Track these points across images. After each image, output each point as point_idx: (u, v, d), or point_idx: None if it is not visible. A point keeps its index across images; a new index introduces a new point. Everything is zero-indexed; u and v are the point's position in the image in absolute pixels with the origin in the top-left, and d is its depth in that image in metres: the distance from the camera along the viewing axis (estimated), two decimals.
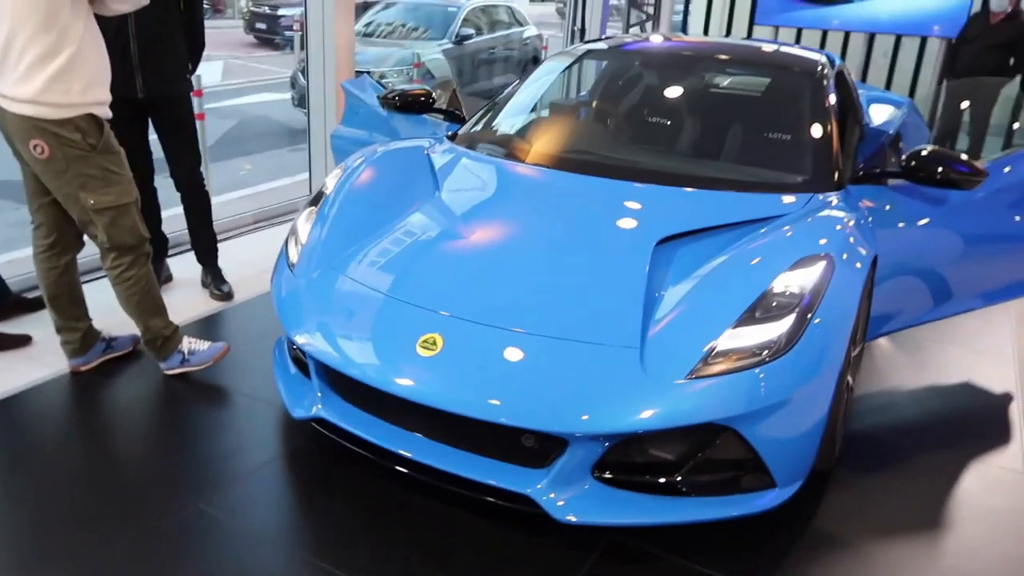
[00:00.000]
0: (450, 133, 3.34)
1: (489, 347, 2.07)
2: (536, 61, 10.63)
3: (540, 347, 2.06)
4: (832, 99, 3.10)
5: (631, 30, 8.29)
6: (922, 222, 2.87)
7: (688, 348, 2.00)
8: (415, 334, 2.12)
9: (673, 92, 3.46)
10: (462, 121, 3.57)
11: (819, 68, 3.27)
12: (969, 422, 2.96)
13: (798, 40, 8.29)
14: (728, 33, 8.68)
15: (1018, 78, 6.36)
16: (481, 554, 2.06)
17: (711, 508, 2.04)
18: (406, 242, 2.52)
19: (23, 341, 3.09)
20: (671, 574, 2.03)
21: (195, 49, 3.52)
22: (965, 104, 6.23)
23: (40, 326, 3.12)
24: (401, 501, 2.24)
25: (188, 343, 2.90)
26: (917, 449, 2.72)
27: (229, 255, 3.91)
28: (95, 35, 2.51)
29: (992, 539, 2.25)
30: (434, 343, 2.09)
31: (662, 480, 2.03)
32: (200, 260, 3.73)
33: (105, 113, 2.57)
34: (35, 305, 3.35)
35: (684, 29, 9.02)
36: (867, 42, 8.18)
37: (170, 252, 3.88)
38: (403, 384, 2.05)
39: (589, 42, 4.04)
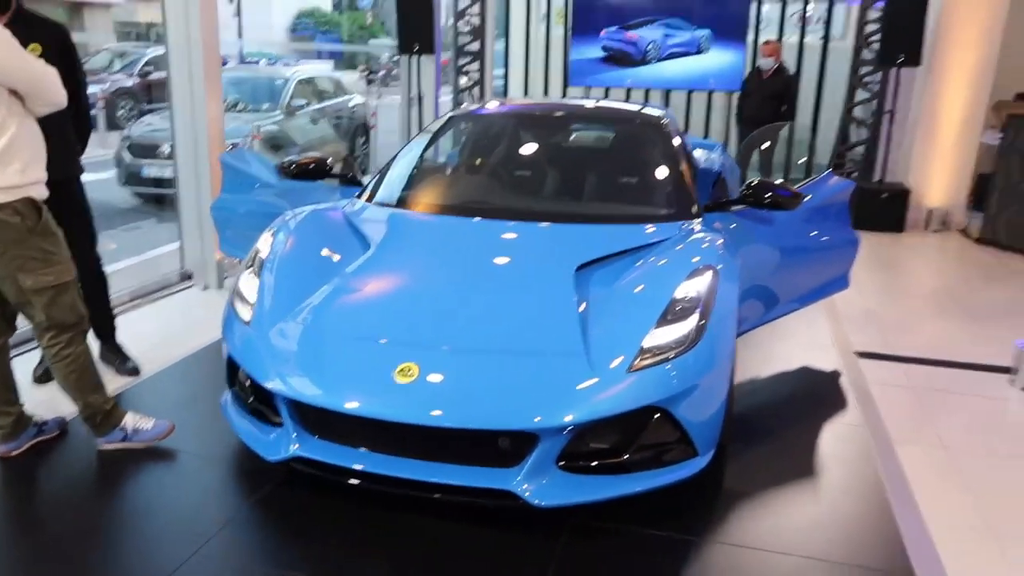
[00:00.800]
0: (358, 194, 3.64)
1: (461, 368, 2.41)
2: (366, 128, 11.03)
3: (505, 362, 2.43)
4: (677, 144, 3.77)
5: (460, 93, 8.92)
6: (757, 240, 3.56)
7: (623, 349, 2.46)
8: (391, 365, 2.41)
9: (559, 146, 4.04)
10: (358, 184, 3.87)
11: (663, 120, 3.95)
12: (813, 396, 3.66)
13: (606, 97, 9.31)
14: (546, 94, 9.55)
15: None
16: (464, 559, 2.35)
17: (652, 479, 2.48)
18: (357, 290, 2.80)
19: None
20: (627, 541, 2.44)
21: (83, 131, 3.57)
22: (766, 145, 7.41)
23: None
24: (379, 528, 2.47)
25: (131, 420, 2.92)
26: (780, 421, 3.36)
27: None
28: (29, 121, 2.60)
29: (845, 474, 2.88)
30: (411, 371, 2.39)
31: (611, 462, 2.45)
32: (100, 336, 3.70)
33: (42, 193, 2.65)
34: None
35: (505, 92, 9.81)
36: (664, 97, 9.35)
37: None
38: (391, 409, 2.33)
39: (463, 109, 4.52)
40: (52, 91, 2.61)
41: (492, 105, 4.48)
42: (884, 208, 7.22)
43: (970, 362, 4.12)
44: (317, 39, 31.75)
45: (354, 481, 2.45)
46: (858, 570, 2.35)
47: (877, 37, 7.46)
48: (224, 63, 10.07)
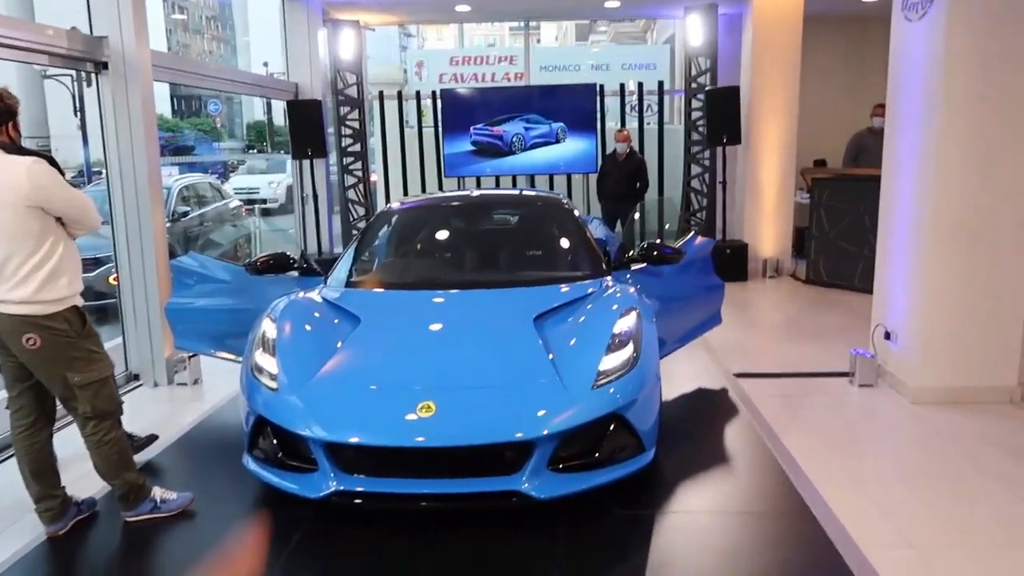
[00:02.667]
0: (325, 280, 4.27)
1: (469, 401, 3.10)
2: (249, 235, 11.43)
3: (498, 393, 3.14)
4: (578, 217, 4.70)
5: (348, 190, 9.62)
6: (648, 292, 4.48)
7: (586, 373, 3.24)
8: (412, 405, 3.05)
9: (487, 226, 4.86)
10: (317, 274, 4.48)
11: (563, 199, 4.89)
12: (711, 407, 4.60)
13: (478, 184, 10.31)
14: (424, 189, 10.41)
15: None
16: (483, 557, 3.00)
17: (617, 471, 3.24)
18: (363, 353, 3.43)
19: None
20: (608, 521, 3.17)
21: None
22: (637, 216, 8.60)
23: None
24: (411, 542, 3.07)
25: (160, 492, 3.33)
26: (693, 426, 4.24)
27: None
28: (69, 242, 3.06)
29: (747, 456, 3.78)
30: (429, 407, 3.04)
31: (587, 461, 3.19)
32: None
33: (81, 302, 3.10)
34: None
35: (387, 189, 10.58)
36: (529, 180, 10.48)
37: None
38: (419, 439, 2.97)
39: (404, 202, 5.25)
40: (91, 218, 3.10)
41: (419, 200, 5.26)
42: (730, 261, 8.54)
43: (819, 371, 5.24)
44: (164, 147, 31.35)
45: (358, 501, 3.02)
46: (770, 516, 3.21)
47: (703, 121, 8.96)
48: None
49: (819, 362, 5.43)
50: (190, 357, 5.28)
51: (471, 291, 4.00)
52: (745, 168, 8.96)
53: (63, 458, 3.73)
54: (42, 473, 3.13)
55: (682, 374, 5.15)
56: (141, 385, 5.34)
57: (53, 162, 3.75)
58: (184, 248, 9.61)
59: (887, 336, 4.99)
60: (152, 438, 4.11)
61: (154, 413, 4.83)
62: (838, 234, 7.91)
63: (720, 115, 8.54)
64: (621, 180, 8.63)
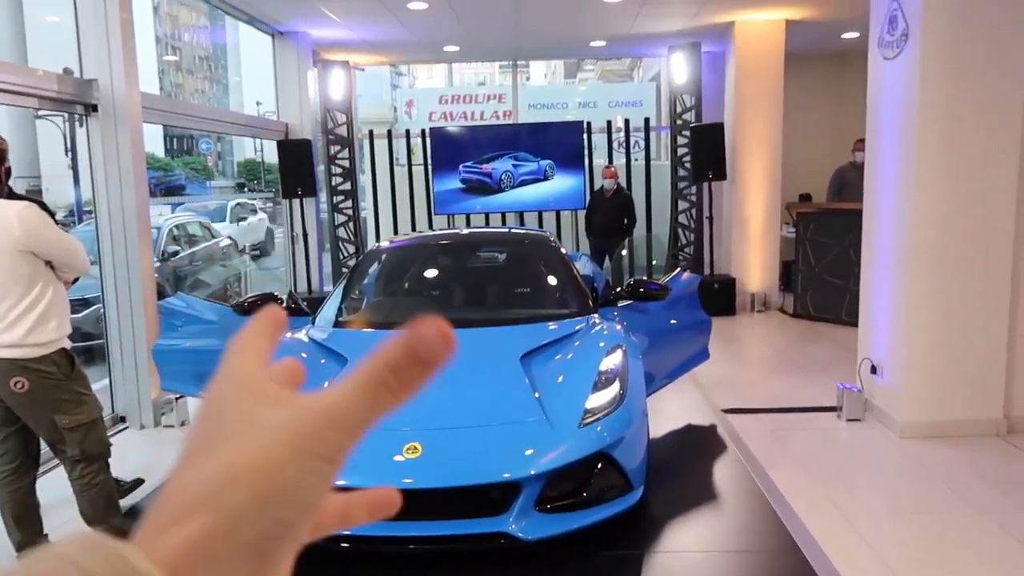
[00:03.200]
0: (312, 320, 4.27)
1: (454, 441, 3.09)
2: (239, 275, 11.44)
3: (485, 433, 3.14)
4: (565, 254, 4.74)
5: (339, 228, 9.67)
6: (634, 328, 4.51)
7: (572, 411, 3.25)
8: (398, 447, 3.05)
9: (474, 264, 4.89)
10: (304, 313, 4.49)
11: (551, 238, 4.93)
12: (699, 444, 4.60)
13: (468, 223, 10.38)
14: (414, 227, 10.47)
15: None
16: None
17: (604, 510, 3.23)
18: None
19: None
20: (592, 562, 3.15)
21: None
22: (625, 252, 8.68)
23: None
24: None
25: None
26: (681, 463, 4.24)
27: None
28: (59, 285, 3.08)
29: (735, 492, 3.78)
30: (416, 448, 3.04)
31: (574, 501, 3.18)
32: None
33: (69, 344, 3.10)
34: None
35: (377, 226, 10.64)
36: (518, 218, 10.57)
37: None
38: (407, 481, 2.95)
39: (391, 241, 5.29)
40: (81, 261, 3.12)
41: (406, 238, 5.30)
42: (717, 296, 8.59)
43: (806, 406, 5.25)
44: (155, 186, 31.58)
45: (345, 545, 2.99)
46: (759, 554, 3.20)
47: (689, 157, 9.08)
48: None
49: (807, 397, 5.45)
50: (177, 399, 5.25)
51: (458, 330, 3.95)
52: (731, 203, 9.06)
53: (46, 503, 3.70)
54: (25, 519, 3.10)
55: (671, 410, 5.15)
56: (127, 427, 5.30)
57: (44, 206, 3.79)
58: (174, 288, 9.62)
59: (873, 370, 5.02)
60: (139, 482, 4.08)
61: (140, 456, 4.79)
62: (824, 268, 7.99)
63: (705, 151, 8.66)
64: (609, 216, 8.71)
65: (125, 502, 3.89)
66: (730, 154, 8.85)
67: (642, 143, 10.34)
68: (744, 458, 4.26)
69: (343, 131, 9.59)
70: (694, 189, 9.32)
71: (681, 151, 9.37)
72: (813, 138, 10.47)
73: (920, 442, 4.50)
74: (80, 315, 7.25)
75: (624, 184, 9.09)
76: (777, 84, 8.72)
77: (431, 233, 5.43)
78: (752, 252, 9.02)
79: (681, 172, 9.42)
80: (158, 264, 9.78)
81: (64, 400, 3.02)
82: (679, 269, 5.16)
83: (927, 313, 4.60)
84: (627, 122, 10.10)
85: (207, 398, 0.36)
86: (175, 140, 37.16)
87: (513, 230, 5.46)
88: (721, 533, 3.39)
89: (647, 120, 10.12)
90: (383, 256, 5.05)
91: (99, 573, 0.27)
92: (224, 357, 0.38)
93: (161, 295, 9.07)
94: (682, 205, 9.49)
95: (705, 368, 5.36)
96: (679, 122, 9.36)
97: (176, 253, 10.07)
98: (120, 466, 4.33)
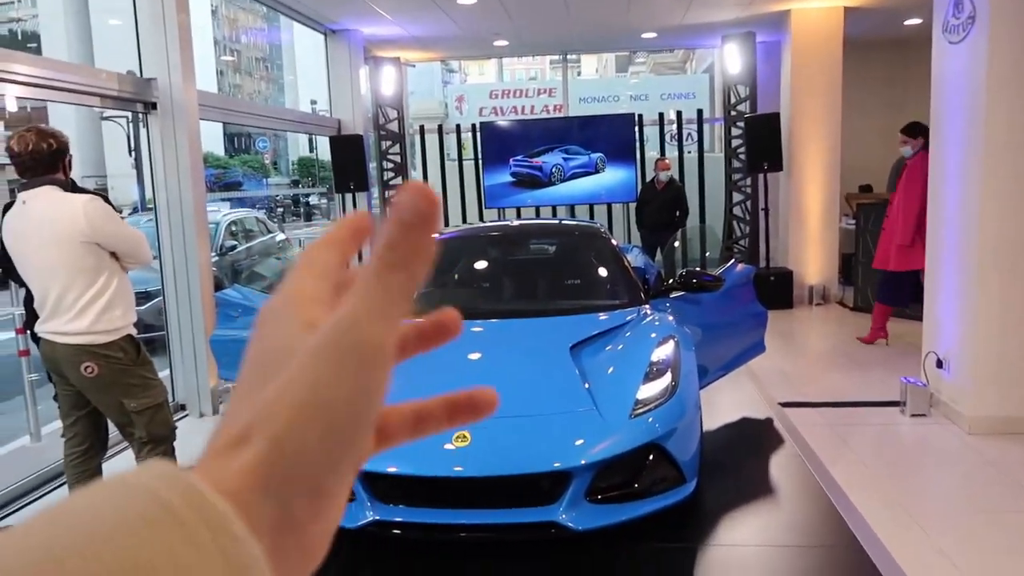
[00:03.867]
0: None
1: (504, 430, 3.07)
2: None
3: (535, 422, 3.12)
4: (616, 246, 4.68)
5: None
6: (687, 320, 4.42)
7: (623, 402, 3.20)
8: (448, 435, 3.04)
9: (525, 256, 4.88)
10: None
11: (601, 229, 4.88)
12: (756, 437, 4.50)
13: (518, 215, 10.37)
14: (464, 219, 10.51)
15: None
16: None
17: (656, 502, 3.17)
18: (401, 380, 3.43)
19: None
20: (642, 555, 3.10)
21: None
22: (677, 244, 8.57)
23: None
24: (446, 568, 3.04)
25: None
26: (736, 456, 4.15)
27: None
28: (123, 275, 3.17)
29: (793, 486, 3.68)
30: (465, 437, 3.03)
31: (625, 492, 3.13)
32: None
33: (135, 331, 3.19)
34: None
35: (447, 220, 10.71)
36: (569, 211, 10.51)
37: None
38: (457, 469, 2.95)
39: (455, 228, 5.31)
40: (144, 252, 3.20)
41: (457, 230, 5.31)
42: (773, 289, 8.39)
43: (868, 400, 5.09)
44: (214, 183, 32.49)
45: (397, 531, 3.03)
46: (817, 549, 3.11)
47: (743, 149, 8.90)
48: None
49: (868, 391, 5.28)
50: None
51: (508, 320, 3.99)
52: (788, 195, 8.85)
53: None
54: None
55: (726, 403, 5.06)
56: (187, 415, 5.44)
57: (107, 200, 3.91)
58: (232, 280, 9.84)
59: (939, 364, 4.84)
60: None
61: (199, 443, 4.88)
62: None
63: (760, 142, 8.47)
64: (661, 208, 8.59)
65: None
66: (786, 145, 8.64)
67: (695, 135, 10.18)
68: (802, 452, 4.15)
69: (394, 127, 9.67)
70: (748, 181, 9.13)
71: (735, 142, 9.19)
72: (874, 127, 10.13)
73: (989, 438, 4.31)
74: (143, 307, 7.49)
75: (676, 177, 8.96)
76: (835, 73, 8.47)
77: (481, 225, 5.43)
78: (810, 244, 8.79)
79: (735, 164, 9.24)
80: (216, 258, 10.04)
81: (132, 384, 3.11)
82: (733, 260, 5.05)
83: (995, 305, 4.41)
84: (679, 114, 9.95)
85: (262, 316, 0.35)
86: (234, 139, 38.09)
87: (564, 221, 5.42)
88: (777, 527, 3.31)
89: (700, 112, 9.96)
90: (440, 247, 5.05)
91: (177, 506, 0.25)
92: (290, 268, 0.36)
93: (219, 287, 9.32)
94: (736, 197, 9.31)
95: (761, 361, 5.26)
96: (733, 113, 9.17)
97: (234, 247, 10.30)
98: (180, 452, 4.45)
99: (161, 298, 5.59)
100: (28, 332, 3.51)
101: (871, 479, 3.85)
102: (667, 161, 8.66)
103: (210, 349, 4.95)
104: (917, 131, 6.10)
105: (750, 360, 4.92)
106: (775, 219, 8.90)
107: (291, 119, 8.62)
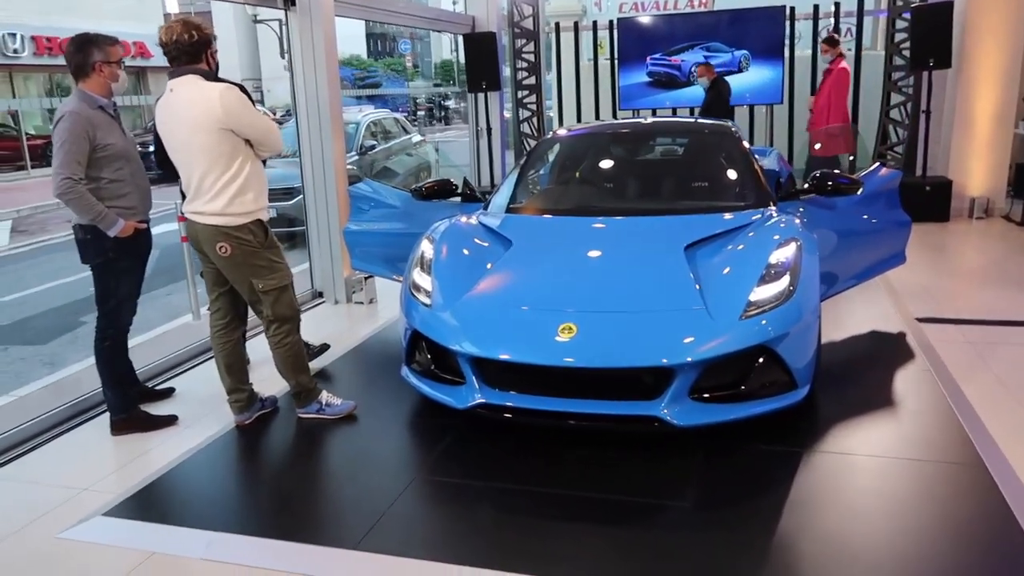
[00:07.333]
0: (484, 205, 4.39)
1: (610, 324, 3.10)
2: (429, 164, 11.90)
3: (643, 319, 3.12)
4: (746, 147, 4.46)
5: (522, 123, 9.71)
6: (820, 225, 4.18)
7: (735, 302, 3.13)
8: (554, 326, 3.11)
9: (649, 154, 4.76)
10: (478, 200, 4.62)
11: (732, 128, 4.65)
12: (885, 351, 4.28)
13: (653, 114, 10.03)
14: (597, 117, 10.30)
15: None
16: (621, 474, 3.03)
17: (763, 405, 3.13)
18: (512, 274, 3.53)
19: (172, 421, 3.72)
20: (749, 456, 3.09)
21: None
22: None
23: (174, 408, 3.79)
24: (541, 458, 3.16)
25: (326, 396, 3.66)
26: (861, 368, 3.99)
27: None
28: (256, 162, 3.37)
29: (918, 401, 3.50)
30: (571, 329, 3.08)
31: (732, 392, 3.10)
32: None
33: (266, 216, 3.42)
34: (160, 395, 3.99)
35: (560, 120, 10.60)
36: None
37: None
38: (561, 359, 3.02)
39: (569, 128, 5.26)
40: (275, 141, 3.38)
41: (581, 128, 5.22)
42: (928, 200, 7.75)
43: (1018, 319, 4.68)
44: (353, 83, 33.34)
45: (508, 416, 3.14)
46: (939, 464, 2.97)
47: (907, 44, 8.07)
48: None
49: (1021, 311, 4.86)
50: (366, 278, 5.67)
51: (625, 219, 3.95)
52: (955, 96, 8.01)
53: (255, 361, 4.21)
54: (233, 368, 3.54)
55: (857, 315, 4.82)
56: (324, 302, 5.83)
57: (244, 90, 4.12)
58: (376, 179, 10.21)
59: None
60: (324, 347, 4.50)
61: (332, 327, 5.27)
62: None
63: (928, 36, 7.65)
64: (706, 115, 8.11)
65: (316, 364, 4.33)
66: (957, 39, 7.76)
67: (853, 31, 9.33)
68: (933, 368, 3.92)
69: (528, 24, 9.48)
70: (911, 81, 8.32)
71: (899, 37, 8.35)
72: None
73: None
74: (290, 203, 7.95)
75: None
76: None
77: (608, 122, 5.31)
78: (976, 151, 7.99)
79: (897, 61, 8.42)
80: (356, 157, 10.43)
81: (260, 266, 3.36)
82: (877, 164, 4.68)
83: None
84: (837, 5, 9.12)
85: None
86: (377, 42, 38.67)
87: (694, 120, 5.20)
88: (894, 440, 3.18)
89: (861, 2, 9.06)
90: (557, 145, 5.02)
91: None
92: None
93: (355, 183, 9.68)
94: (895, 99, 8.54)
95: (902, 274, 4.96)
96: (899, 3, 8.30)
97: (373, 147, 10.63)
98: (315, 334, 4.81)
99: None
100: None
101: (1007, 400, 3.59)
102: (704, 67, 8.06)
103: (344, 241, 5.21)
104: None
105: (887, 271, 4.64)
106: (937, 123, 8.11)
107: (426, 16, 8.63)
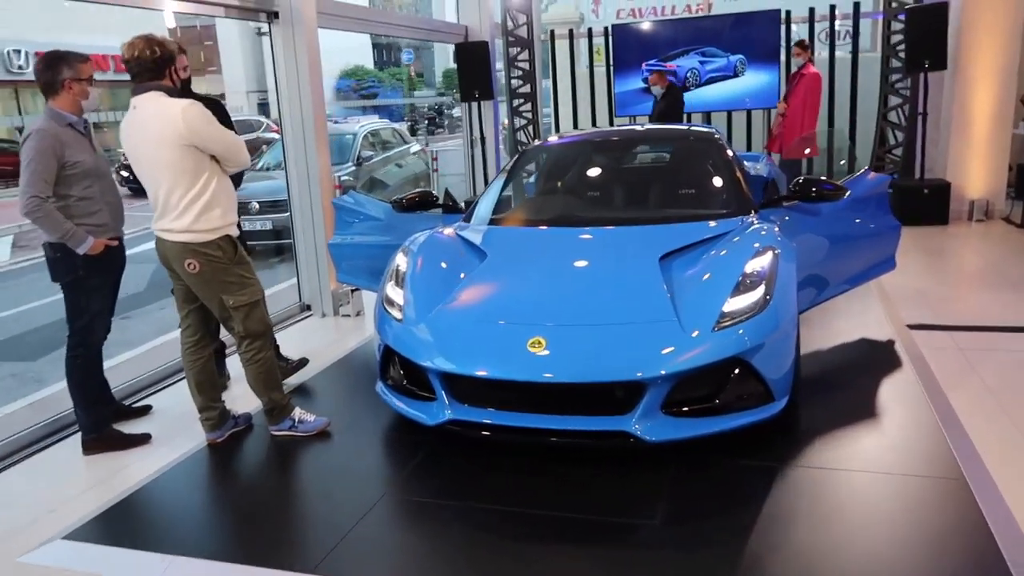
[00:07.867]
0: (464, 217, 4.34)
1: (580, 338, 3.04)
2: (427, 173, 11.87)
3: (614, 331, 3.06)
4: (729, 154, 4.39)
5: (517, 132, 9.67)
6: (806, 230, 4.12)
7: (708, 313, 3.06)
8: (523, 340, 3.05)
9: (629, 163, 4.71)
10: (459, 211, 4.57)
11: (715, 135, 4.59)
12: (872, 360, 4.19)
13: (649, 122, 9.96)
14: (594, 124, 10.25)
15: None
16: (590, 490, 2.96)
17: (738, 419, 3.05)
18: (484, 288, 3.47)
19: (144, 439, 3.68)
20: (724, 471, 3.01)
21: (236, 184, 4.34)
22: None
23: (149, 426, 3.74)
24: (512, 474, 3.10)
25: (299, 413, 3.61)
26: (846, 377, 3.90)
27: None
28: (224, 178, 3.34)
29: (903, 413, 3.42)
30: (540, 343, 3.02)
31: (705, 406, 3.03)
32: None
33: (235, 232, 3.38)
34: (137, 412, 3.96)
35: (557, 128, 10.54)
36: (704, 118, 9.97)
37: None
38: (529, 374, 2.96)
39: (546, 139, 5.21)
40: (241, 156, 3.34)
41: (564, 136, 5.17)
42: (927, 203, 7.66)
43: (1013, 325, 4.59)
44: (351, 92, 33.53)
45: (486, 433, 3.08)
46: (919, 479, 2.89)
47: (903, 46, 7.98)
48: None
49: (1016, 315, 4.76)
50: (353, 291, 5.63)
51: (603, 229, 3.88)
52: (952, 97, 7.91)
53: (235, 377, 4.16)
54: (204, 386, 3.50)
55: (846, 321, 4.73)
56: (311, 315, 5.79)
57: (219, 106, 4.10)
58: (368, 190, 10.18)
59: None
60: (304, 362, 4.45)
61: (318, 340, 5.23)
62: None
63: (923, 37, 7.56)
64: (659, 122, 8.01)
65: (295, 379, 4.29)
66: (954, 39, 7.67)
67: (850, 33, 9.24)
68: (921, 378, 3.83)
69: (523, 32, 9.45)
70: (908, 83, 8.23)
71: (895, 39, 8.26)
72: None
73: None
74: (281, 215, 7.93)
75: (826, 79, 8.21)
76: None
77: (590, 131, 5.25)
78: (975, 153, 7.88)
79: (894, 63, 8.34)
80: (353, 168, 10.40)
81: (230, 282, 3.32)
82: (865, 169, 4.61)
83: None
84: (832, 8, 9.05)
85: None
86: (382, 52, 38.84)
87: (677, 127, 5.14)
88: (874, 453, 3.09)
89: (856, 5, 8.99)
90: (539, 154, 4.97)
91: None
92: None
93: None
94: (892, 101, 8.45)
95: (897, 279, 4.88)
96: (894, 4, 8.22)
97: (370, 158, 10.62)
98: (301, 347, 4.78)
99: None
100: None
101: (995, 411, 3.50)
102: (657, 75, 7.98)
103: (329, 254, 5.17)
104: None
105: (877, 276, 4.56)
106: (935, 125, 8.01)
107: (418, 26, 8.62)
